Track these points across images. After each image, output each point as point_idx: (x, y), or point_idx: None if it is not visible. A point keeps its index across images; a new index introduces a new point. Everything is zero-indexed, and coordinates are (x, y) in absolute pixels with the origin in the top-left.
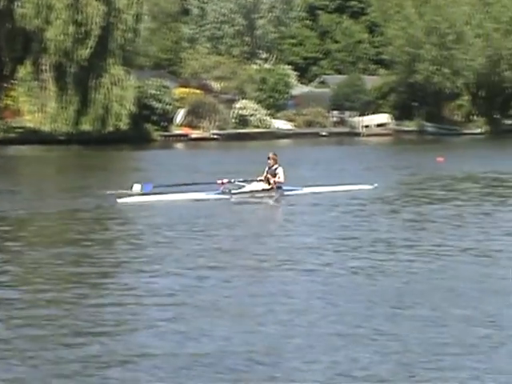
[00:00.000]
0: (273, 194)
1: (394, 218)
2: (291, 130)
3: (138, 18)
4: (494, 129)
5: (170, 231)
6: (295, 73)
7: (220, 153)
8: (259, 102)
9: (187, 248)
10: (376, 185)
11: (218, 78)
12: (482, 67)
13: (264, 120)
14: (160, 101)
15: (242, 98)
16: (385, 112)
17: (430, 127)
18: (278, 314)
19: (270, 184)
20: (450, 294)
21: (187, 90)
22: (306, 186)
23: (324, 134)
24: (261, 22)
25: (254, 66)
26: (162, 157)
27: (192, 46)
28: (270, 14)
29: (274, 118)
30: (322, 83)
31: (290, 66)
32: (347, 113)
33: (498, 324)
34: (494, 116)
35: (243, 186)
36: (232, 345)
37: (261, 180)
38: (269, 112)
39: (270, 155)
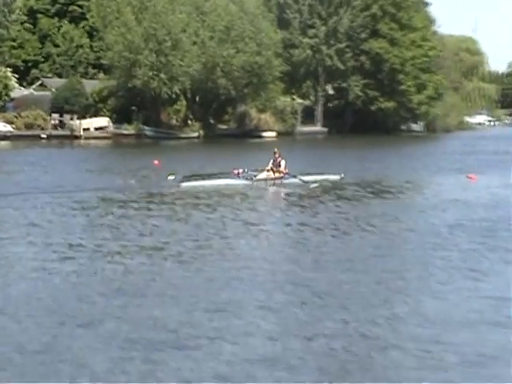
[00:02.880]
0: (280, 180)
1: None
2: (10, 132)
3: None
4: (209, 133)
5: None
6: (15, 75)
7: None
8: None
9: None
10: (342, 175)
11: None
12: (198, 74)
13: None
14: None
15: None
16: (104, 115)
17: (148, 131)
18: None
19: (278, 173)
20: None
21: None
22: (298, 175)
23: (44, 136)
24: None
25: None
26: None
27: None
28: None
29: None
30: (43, 86)
31: (9, 69)
32: (67, 116)
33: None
34: (210, 121)
35: (255, 175)
36: None
37: (268, 170)
38: None
39: (276, 150)
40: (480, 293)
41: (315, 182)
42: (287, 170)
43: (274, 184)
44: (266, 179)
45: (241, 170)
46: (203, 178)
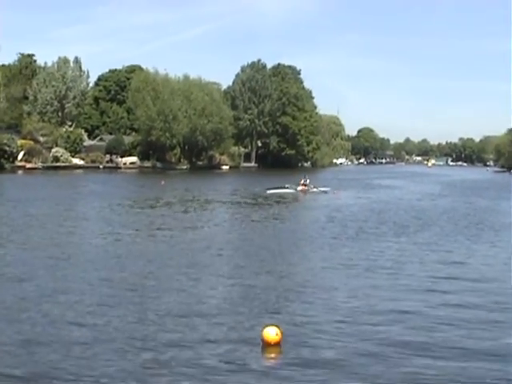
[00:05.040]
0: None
1: None
2: (83, 164)
3: None
4: (193, 166)
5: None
6: (86, 133)
7: None
8: None
9: None
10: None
11: None
12: (186, 134)
13: None
14: None
15: None
16: (134, 156)
17: (158, 165)
18: None
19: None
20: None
21: None
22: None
23: (101, 167)
24: None
25: None
26: None
27: None
28: None
29: None
30: (101, 140)
31: (83, 130)
32: (114, 156)
33: None
34: (193, 160)
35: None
36: None
37: (303, 185)
38: None
39: (306, 176)
40: (343, 252)
41: (324, 191)
42: (312, 185)
43: (305, 192)
44: (301, 190)
45: (288, 185)
46: (275, 188)
